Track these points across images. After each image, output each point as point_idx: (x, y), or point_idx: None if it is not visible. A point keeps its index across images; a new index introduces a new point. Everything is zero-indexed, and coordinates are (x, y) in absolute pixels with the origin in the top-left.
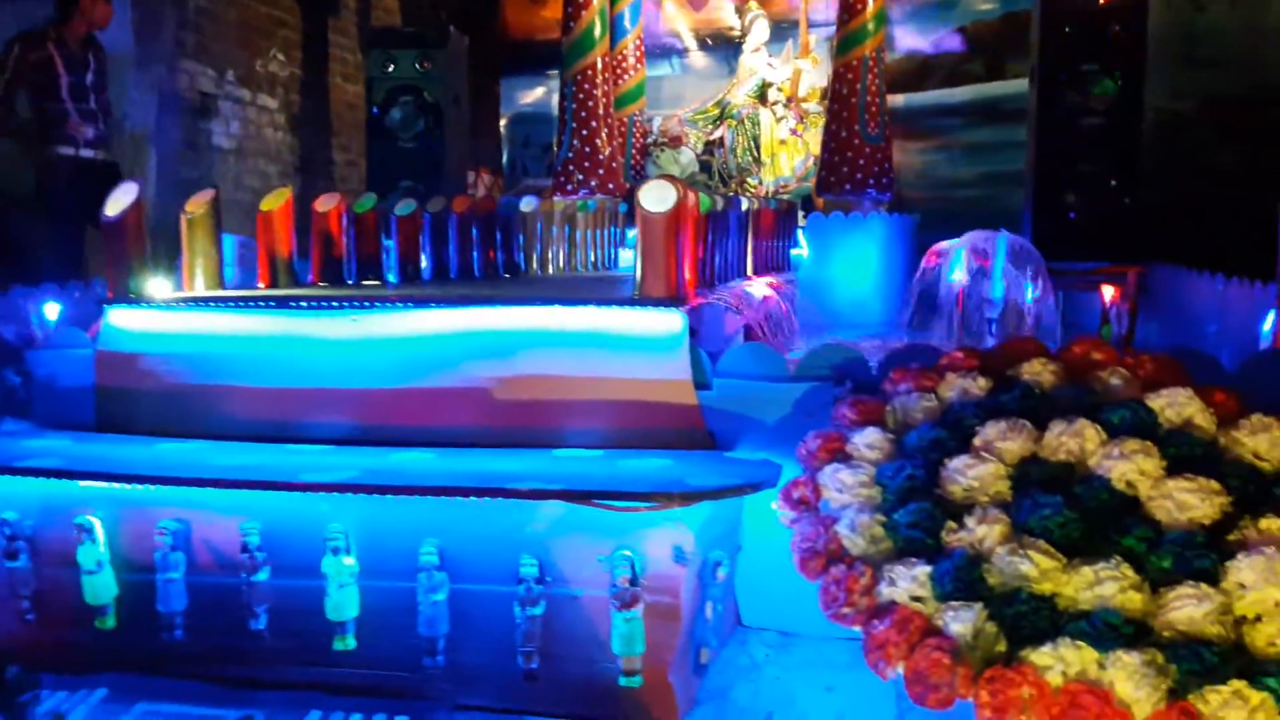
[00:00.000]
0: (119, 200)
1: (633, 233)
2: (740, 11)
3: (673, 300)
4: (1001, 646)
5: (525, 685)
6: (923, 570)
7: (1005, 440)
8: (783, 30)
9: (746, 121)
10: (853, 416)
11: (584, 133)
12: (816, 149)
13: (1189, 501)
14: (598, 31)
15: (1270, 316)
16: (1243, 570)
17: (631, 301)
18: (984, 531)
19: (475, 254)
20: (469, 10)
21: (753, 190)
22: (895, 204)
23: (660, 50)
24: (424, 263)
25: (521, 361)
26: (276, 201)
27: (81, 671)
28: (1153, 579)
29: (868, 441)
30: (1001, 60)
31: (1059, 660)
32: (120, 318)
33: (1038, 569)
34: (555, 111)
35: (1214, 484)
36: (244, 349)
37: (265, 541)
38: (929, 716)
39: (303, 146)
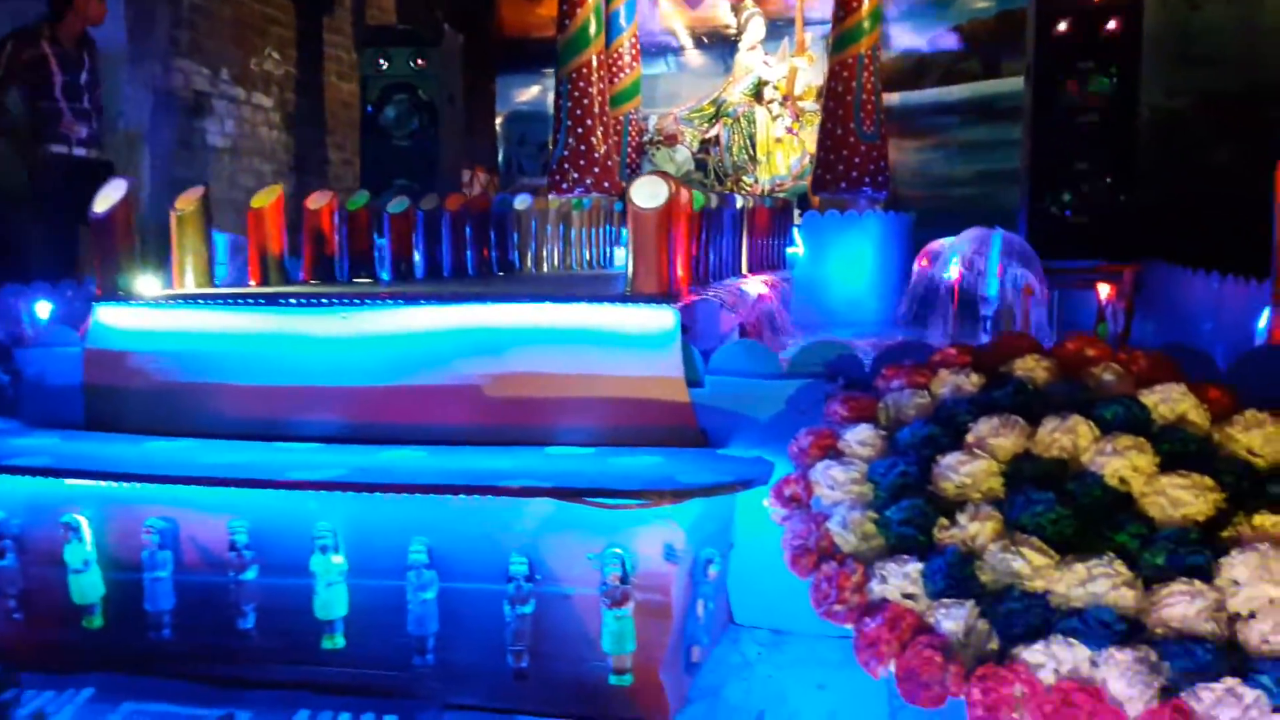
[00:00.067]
0: (108, 196)
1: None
2: (736, 9)
3: (664, 297)
4: (993, 644)
5: (515, 684)
6: (914, 567)
7: (998, 437)
8: (778, 28)
9: (742, 120)
10: (845, 413)
11: (579, 131)
12: (812, 147)
13: (1182, 498)
14: (593, 29)
15: (1265, 313)
16: (1236, 567)
17: (623, 298)
18: (976, 528)
19: (469, 252)
20: (464, 8)
21: (748, 188)
22: (891, 202)
23: (656, 48)
24: (417, 260)
25: (513, 359)
26: (267, 198)
27: (68, 671)
28: (1146, 576)
29: (860, 438)
30: (997, 58)
31: (1051, 658)
32: (109, 315)
33: (1030, 566)
34: (550, 109)
35: (1207, 480)
36: (233, 347)
37: (253, 540)
38: (921, 714)
39: (297, 145)
